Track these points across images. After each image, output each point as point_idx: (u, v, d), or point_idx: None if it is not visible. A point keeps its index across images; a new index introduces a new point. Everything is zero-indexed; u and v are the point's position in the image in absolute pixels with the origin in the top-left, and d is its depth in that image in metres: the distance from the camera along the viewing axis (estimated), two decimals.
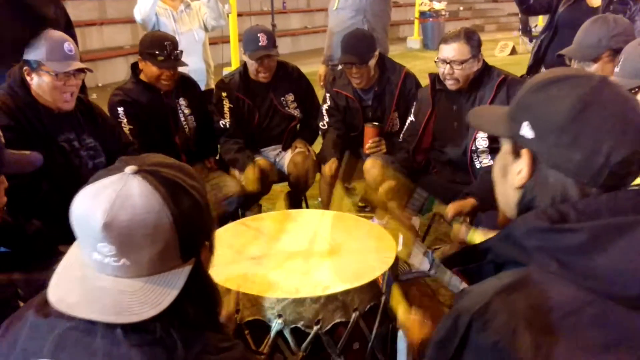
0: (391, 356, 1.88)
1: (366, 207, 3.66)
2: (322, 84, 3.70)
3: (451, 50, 2.50)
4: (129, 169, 0.87)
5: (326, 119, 3.13)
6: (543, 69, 3.21)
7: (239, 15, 6.79)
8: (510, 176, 0.87)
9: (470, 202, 2.40)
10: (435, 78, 2.69)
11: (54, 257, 0.97)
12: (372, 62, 2.90)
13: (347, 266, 1.94)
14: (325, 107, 3.13)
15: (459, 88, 2.56)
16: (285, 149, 3.23)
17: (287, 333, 1.75)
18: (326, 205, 3.11)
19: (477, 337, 0.72)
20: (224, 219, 2.70)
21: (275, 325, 1.74)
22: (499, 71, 2.62)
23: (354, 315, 1.78)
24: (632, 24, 2.16)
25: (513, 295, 0.73)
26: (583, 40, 2.11)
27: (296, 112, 3.18)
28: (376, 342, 1.85)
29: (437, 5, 11.87)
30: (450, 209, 2.41)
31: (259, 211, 3.18)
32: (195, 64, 3.47)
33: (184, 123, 2.95)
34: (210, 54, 3.84)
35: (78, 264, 0.90)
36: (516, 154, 0.85)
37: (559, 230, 0.76)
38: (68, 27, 3.45)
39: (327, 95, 3.14)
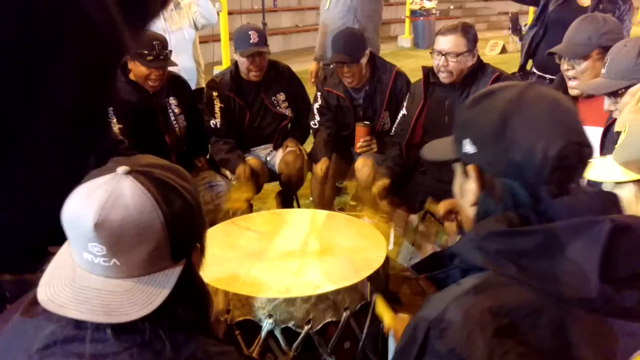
0: (382, 355, 1.88)
1: (358, 206, 3.67)
2: (312, 80, 3.69)
3: (447, 42, 2.51)
4: (121, 169, 0.87)
5: (317, 118, 3.13)
6: (534, 68, 3.22)
7: (230, 13, 6.77)
8: (466, 195, 0.89)
9: None
10: (429, 71, 2.68)
11: (43, 258, 0.96)
12: (364, 61, 2.90)
13: (338, 266, 1.93)
14: (316, 106, 3.13)
15: (452, 82, 2.56)
16: (276, 148, 3.23)
17: (277, 333, 1.75)
18: (317, 204, 3.11)
19: (435, 344, 0.73)
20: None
21: (266, 325, 1.73)
22: (493, 68, 2.63)
23: (344, 314, 1.78)
24: (620, 23, 2.18)
25: (469, 301, 0.74)
26: (573, 38, 2.12)
27: (287, 112, 3.17)
28: (367, 341, 1.85)
29: (428, 4, 11.90)
30: (442, 207, 2.41)
31: (250, 211, 3.18)
32: (185, 63, 3.45)
33: (174, 122, 2.93)
34: (201, 52, 3.82)
35: (69, 264, 0.89)
36: (466, 173, 0.88)
37: (516, 233, 0.77)
38: None
39: (318, 94, 3.14)
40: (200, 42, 3.87)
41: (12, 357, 0.86)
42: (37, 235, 1.12)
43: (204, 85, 3.32)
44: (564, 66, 2.14)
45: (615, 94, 1.76)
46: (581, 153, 0.82)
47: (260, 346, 1.77)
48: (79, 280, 0.86)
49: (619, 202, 0.83)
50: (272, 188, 3.48)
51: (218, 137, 3.00)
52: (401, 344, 0.78)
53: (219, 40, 6.44)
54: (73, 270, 0.88)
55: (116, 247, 0.84)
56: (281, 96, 3.13)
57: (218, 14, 5.98)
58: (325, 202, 3.10)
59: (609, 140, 1.77)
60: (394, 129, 2.89)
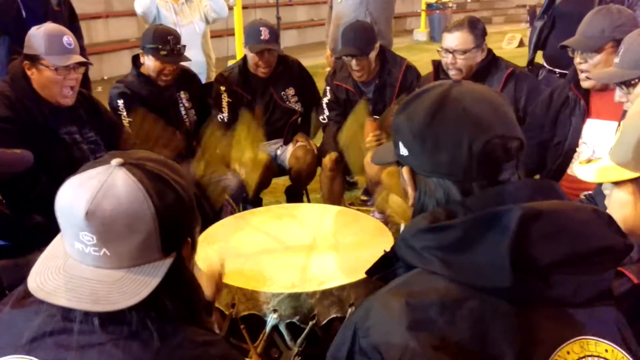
0: None
1: (368, 202, 3.65)
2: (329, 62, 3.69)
3: (454, 39, 2.47)
4: (115, 161, 0.89)
5: (326, 112, 3.11)
6: (544, 62, 3.17)
7: (244, 7, 6.76)
8: (407, 197, 0.92)
9: None
10: (438, 66, 2.65)
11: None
12: (373, 55, 2.88)
13: (344, 261, 1.93)
14: (325, 100, 3.12)
15: (463, 78, 2.52)
16: (286, 143, 3.22)
17: (282, 328, 1.75)
18: (327, 199, 3.10)
19: (362, 343, 0.74)
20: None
21: (271, 320, 1.73)
22: (506, 63, 2.59)
23: (349, 310, 1.77)
24: (635, 15, 2.11)
25: (391, 298, 0.75)
26: (586, 31, 2.07)
27: (297, 106, 3.17)
28: None
29: None
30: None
31: (260, 205, 3.18)
32: (196, 57, 3.46)
33: (185, 116, 2.94)
34: (215, 46, 3.83)
35: (60, 254, 0.91)
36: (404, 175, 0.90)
37: (438, 229, 0.78)
38: (72, 19, 3.46)
39: (327, 88, 3.12)
40: (215, 37, 3.89)
41: (1, 349, 0.86)
42: None
43: None
44: (577, 59, 2.09)
45: (628, 84, 1.73)
46: (506, 146, 0.82)
47: (265, 341, 1.77)
48: (69, 270, 0.87)
49: (554, 188, 0.83)
50: (282, 183, 3.48)
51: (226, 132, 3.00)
52: (333, 347, 0.80)
53: (233, 34, 6.44)
54: (64, 260, 0.89)
55: (106, 236, 0.85)
56: (291, 91, 3.12)
57: (232, 8, 6.00)
58: (334, 197, 3.09)
59: None
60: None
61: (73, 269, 0.87)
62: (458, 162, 0.81)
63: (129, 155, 0.92)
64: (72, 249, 0.88)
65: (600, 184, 1.23)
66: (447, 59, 2.51)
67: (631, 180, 1.13)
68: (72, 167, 2.25)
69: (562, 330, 0.73)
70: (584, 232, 0.75)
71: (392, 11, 4.09)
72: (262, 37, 2.90)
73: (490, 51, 2.58)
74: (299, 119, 3.24)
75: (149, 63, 2.74)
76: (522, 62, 2.93)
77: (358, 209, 3.04)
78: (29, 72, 2.14)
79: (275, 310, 1.73)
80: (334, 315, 1.77)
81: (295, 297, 1.73)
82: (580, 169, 1.30)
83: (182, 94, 2.94)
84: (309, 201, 3.38)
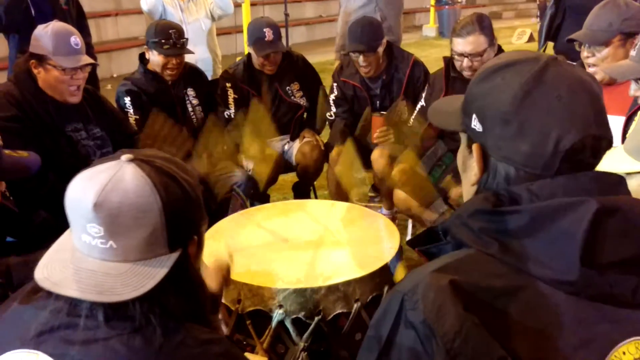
0: None
1: (376, 198, 3.64)
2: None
3: (467, 43, 2.41)
4: (125, 156, 0.91)
5: (333, 109, 3.11)
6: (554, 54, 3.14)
7: (252, 4, 6.75)
8: (468, 172, 0.85)
9: None
10: (449, 62, 2.61)
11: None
12: (380, 50, 2.87)
13: (350, 257, 1.93)
14: (332, 97, 3.11)
15: None
16: (293, 138, 3.22)
17: (288, 323, 1.75)
18: (334, 195, 3.10)
19: (408, 315, 0.71)
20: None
21: (277, 315, 1.74)
22: None
23: (355, 306, 1.77)
24: None
25: (444, 276, 0.71)
26: (593, 24, 2.05)
27: (302, 101, 3.16)
28: None
29: None
30: (457, 192, 2.36)
31: (268, 201, 3.19)
32: (202, 54, 3.48)
33: (192, 113, 2.95)
34: (224, 43, 3.84)
35: (68, 247, 0.92)
36: (470, 148, 0.83)
37: (502, 212, 0.73)
38: (80, 18, 3.49)
39: (334, 85, 3.12)
40: (223, 34, 3.90)
41: (7, 344, 0.87)
42: None
43: None
44: (584, 53, 2.07)
45: None
46: (597, 147, 0.75)
47: (271, 336, 1.78)
48: (76, 262, 0.89)
49: (623, 183, 0.77)
50: (290, 179, 3.49)
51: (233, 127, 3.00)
52: (377, 315, 0.77)
53: (241, 31, 6.43)
54: (71, 253, 0.91)
55: (114, 228, 0.86)
56: (295, 86, 3.12)
57: (240, 5, 6.00)
58: (341, 192, 3.08)
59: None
60: (411, 120, 2.85)
61: (80, 262, 0.89)
62: (539, 155, 0.74)
63: (139, 152, 0.94)
64: (79, 242, 0.90)
65: None
66: (461, 63, 2.46)
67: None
68: (78, 163, 2.29)
69: (619, 330, 0.71)
70: None
71: (401, 7, 4.08)
72: (266, 39, 2.90)
73: (499, 47, 2.55)
74: (305, 114, 3.24)
75: (154, 58, 2.76)
76: None
77: (366, 205, 3.04)
78: (35, 71, 2.15)
79: (281, 306, 1.73)
80: (339, 311, 1.76)
81: (301, 292, 1.73)
82: None
83: (189, 91, 2.94)
84: (316, 197, 3.38)
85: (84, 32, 3.32)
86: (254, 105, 2.82)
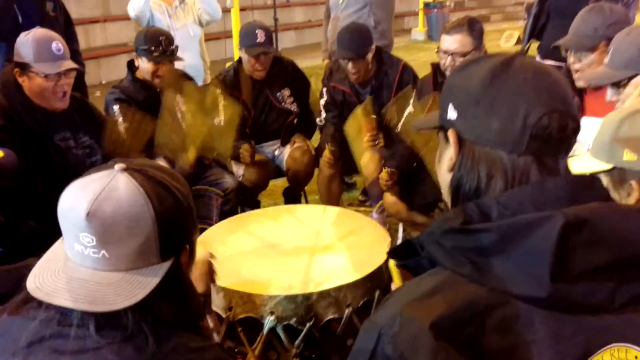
0: None
1: (366, 202, 3.65)
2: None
3: (453, 41, 2.45)
4: (118, 166, 0.91)
5: (323, 114, 3.12)
6: (538, 54, 3.16)
7: (242, 9, 6.76)
8: (444, 159, 0.87)
9: None
10: (437, 68, 2.63)
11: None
12: (369, 57, 2.88)
13: (341, 262, 1.93)
14: (322, 102, 3.12)
15: None
16: (283, 144, 3.22)
17: (280, 330, 1.75)
18: (324, 200, 3.11)
19: (385, 348, 0.72)
20: (223, 215, 2.70)
21: (268, 322, 1.74)
22: None
23: (347, 311, 1.77)
24: (628, 13, 2.10)
25: (421, 304, 0.72)
26: (579, 30, 2.06)
27: (293, 107, 3.17)
28: None
29: None
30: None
31: (258, 207, 3.18)
32: (190, 60, 3.47)
33: (181, 119, 2.93)
34: (213, 49, 3.84)
35: (60, 256, 0.92)
36: (447, 138, 0.86)
37: (470, 231, 0.74)
38: (68, 25, 3.46)
39: (324, 90, 3.12)
40: (212, 39, 3.90)
41: None
42: None
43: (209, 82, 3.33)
44: (570, 59, 2.08)
45: (619, 85, 1.71)
46: (563, 123, 0.78)
47: (263, 343, 1.77)
48: (68, 271, 0.89)
49: (595, 184, 0.79)
50: (280, 184, 3.49)
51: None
52: (355, 347, 0.77)
53: (230, 36, 6.44)
54: (63, 263, 0.91)
55: (106, 238, 0.87)
56: (286, 92, 3.12)
57: (229, 10, 6.00)
58: (332, 197, 3.09)
59: None
60: (400, 126, 2.86)
61: (72, 271, 0.89)
62: (510, 131, 0.77)
63: (131, 162, 0.95)
64: (71, 251, 0.90)
65: None
66: (445, 61, 2.49)
67: (605, 172, 1.20)
68: (68, 172, 2.28)
69: (595, 339, 0.71)
70: (629, 237, 0.72)
71: (393, 11, 4.10)
72: (257, 40, 2.90)
73: (485, 52, 2.57)
74: (295, 120, 3.24)
75: (143, 65, 2.75)
76: None
77: (356, 210, 3.04)
78: (20, 80, 2.13)
79: (272, 313, 1.73)
80: (331, 317, 1.77)
81: (292, 298, 1.73)
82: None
83: (178, 97, 2.93)
84: (307, 202, 3.38)
85: (72, 39, 3.31)
86: (229, 106, 2.81)
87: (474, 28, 2.46)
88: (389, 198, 2.72)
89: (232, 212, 2.75)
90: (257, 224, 2.27)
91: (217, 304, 1.78)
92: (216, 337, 1.76)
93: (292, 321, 1.74)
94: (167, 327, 0.90)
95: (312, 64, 6.99)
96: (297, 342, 1.76)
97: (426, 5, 11.83)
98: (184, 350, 0.89)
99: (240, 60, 3.06)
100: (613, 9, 2.04)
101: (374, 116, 2.94)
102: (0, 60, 3.26)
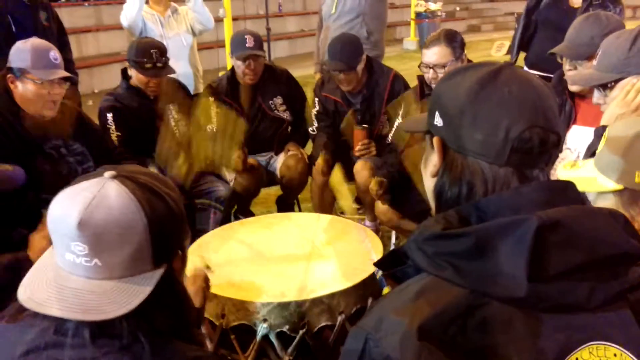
0: None
1: (360, 209, 3.66)
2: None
3: (432, 54, 2.51)
4: (108, 173, 0.91)
5: (315, 123, 3.13)
6: (525, 65, 3.19)
7: (234, 19, 6.79)
8: (429, 166, 0.89)
9: None
10: (423, 80, 2.68)
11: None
12: (360, 67, 2.90)
13: (334, 269, 1.94)
14: (314, 112, 3.13)
15: None
16: (277, 152, 3.23)
17: (272, 337, 1.75)
18: (317, 208, 3.11)
19: (372, 353, 0.73)
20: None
21: (261, 329, 1.74)
22: None
23: (339, 318, 1.78)
24: (622, 22, 2.11)
25: (406, 308, 0.74)
26: (575, 39, 2.05)
27: (285, 115, 3.18)
28: None
29: (433, 6, 11.84)
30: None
31: (252, 215, 3.18)
32: (183, 69, 3.47)
33: (175, 128, 2.94)
34: (206, 58, 3.83)
35: (51, 266, 0.91)
36: (432, 144, 0.88)
37: (450, 236, 0.76)
38: (61, 34, 3.47)
39: (316, 100, 3.14)
40: (205, 48, 3.90)
41: None
42: None
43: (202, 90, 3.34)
44: (566, 66, 2.09)
45: (605, 87, 1.70)
46: (544, 137, 0.80)
47: (256, 351, 1.78)
48: (60, 281, 0.88)
49: (570, 188, 0.81)
50: (273, 192, 3.49)
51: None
52: (343, 352, 0.79)
53: (223, 46, 6.46)
54: (55, 272, 0.90)
55: (98, 246, 0.86)
56: (279, 100, 3.13)
57: (222, 20, 6.02)
58: (325, 205, 3.10)
59: (595, 135, 1.72)
60: (390, 137, 2.89)
61: (64, 280, 0.88)
62: (492, 143, 0.80)
63: (121, 168, 0.94)
64: (62, 260, 0.89)
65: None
66: (428, 74, 2.55)
67: (613, 192, 1.14)
68: (59, 181, 2.27)
69: (573, 337, 0.73)
70: (600, 238, 0.74)
71: (385, 21, 4.12)
72: (247, 45, 2.92)
73: (470, 62, 2.60)
74: (289, 128, 3.25)
75: (135, 76, 2.77)
76: None
77: (349, 218, 3.05)
78: (11, 86, 2.14)
79: (265, 320, 1.74)
80: (324, 324, 1.77)
81: (285, 306, 1.74)
82: (564, 174, 1.31)
83: (172, 106, 2.94)
84: (300, 210, 3.39)
85: (65, 48, 3.31)
86: (225, 114, 2.82)
87: (451, 39, 2.51)
88: (380, 206, 2.74)
89: (225, 220, 2.76)
90: (250, 231, 2.28)
91: (210, 311, 1.78)
92: (209, 345, 1.76)
93: (285, 328, 1.74)
94: (162, 335, 0.90)
95: (305, 74, 7.01)
96: (290, 349, 1.76)
97: (418, 15, 11.91)
98: (182, 359, 0.89)
99: (233, 68, 3.08)
100: (609, 17, 2.03)
101: (366, 125, 2.97)
102: None
